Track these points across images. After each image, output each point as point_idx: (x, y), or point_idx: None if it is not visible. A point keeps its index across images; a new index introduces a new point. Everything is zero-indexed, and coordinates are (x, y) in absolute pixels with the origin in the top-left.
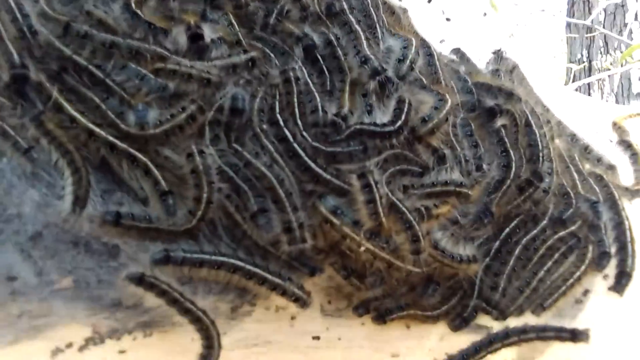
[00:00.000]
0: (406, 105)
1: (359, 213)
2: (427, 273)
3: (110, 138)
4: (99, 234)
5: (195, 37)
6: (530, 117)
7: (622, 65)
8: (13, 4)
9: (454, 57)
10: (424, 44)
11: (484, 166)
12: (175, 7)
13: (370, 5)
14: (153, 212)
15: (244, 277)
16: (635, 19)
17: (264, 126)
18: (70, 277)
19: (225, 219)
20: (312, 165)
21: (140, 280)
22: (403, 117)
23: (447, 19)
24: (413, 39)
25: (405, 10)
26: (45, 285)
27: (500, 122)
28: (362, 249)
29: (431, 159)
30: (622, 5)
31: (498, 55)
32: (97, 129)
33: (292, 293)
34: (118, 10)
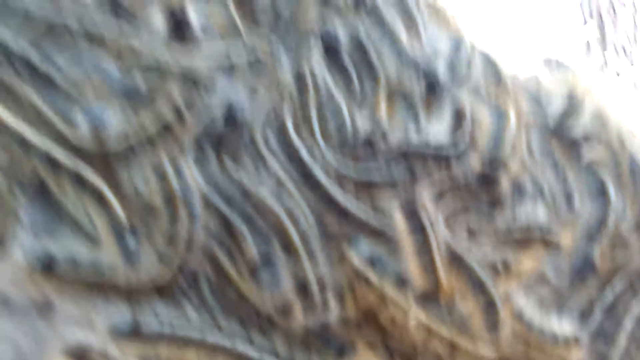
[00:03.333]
0: (468, 119)
1: (407, 267)
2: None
3: (52, 151)
4: (24, 285)
5: (177, 20)
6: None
7: None
8: None
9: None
10: (479, 44)
11: (575, 202)
12: None
13: None
14: (105, 257)
15: None
16: None
17: (271, 142)
18: None
19: (212, 273)
20: (339, 196)
21: (80, 356)
22: (467, 138)
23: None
24: (466, 37)
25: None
26: None
27: (590, 154)
28: (412, 321)
29: (506, 191)
30: None
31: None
32: (32, 137)
33: None
34: None
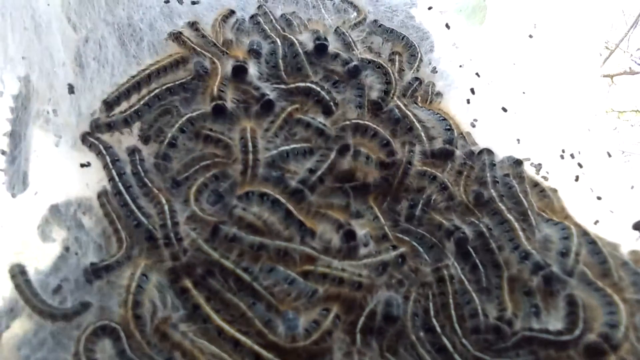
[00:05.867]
0: (580, 308)
1: None
2: None
3: (256, 347)
4: None
5: (349, 235)
6: None
7: None
8: (166, 210)
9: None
10: (584, 231)
11: None
12: (318, 202)
13: (519, 191)
14: None
15: None
16: None
17: (420, 333)
18: None
19: None
20: None
21: None
22: (581, 324)
23: (598, 198)
24: (572, 227)
25: (555, 191)
26: None
27: None
28: None
29: None
30: None
31: None
32: (243, 338)
33: None
34: (269, 209)
